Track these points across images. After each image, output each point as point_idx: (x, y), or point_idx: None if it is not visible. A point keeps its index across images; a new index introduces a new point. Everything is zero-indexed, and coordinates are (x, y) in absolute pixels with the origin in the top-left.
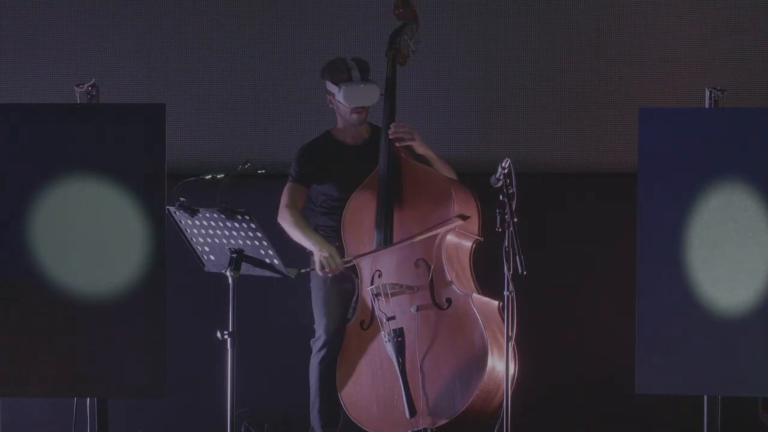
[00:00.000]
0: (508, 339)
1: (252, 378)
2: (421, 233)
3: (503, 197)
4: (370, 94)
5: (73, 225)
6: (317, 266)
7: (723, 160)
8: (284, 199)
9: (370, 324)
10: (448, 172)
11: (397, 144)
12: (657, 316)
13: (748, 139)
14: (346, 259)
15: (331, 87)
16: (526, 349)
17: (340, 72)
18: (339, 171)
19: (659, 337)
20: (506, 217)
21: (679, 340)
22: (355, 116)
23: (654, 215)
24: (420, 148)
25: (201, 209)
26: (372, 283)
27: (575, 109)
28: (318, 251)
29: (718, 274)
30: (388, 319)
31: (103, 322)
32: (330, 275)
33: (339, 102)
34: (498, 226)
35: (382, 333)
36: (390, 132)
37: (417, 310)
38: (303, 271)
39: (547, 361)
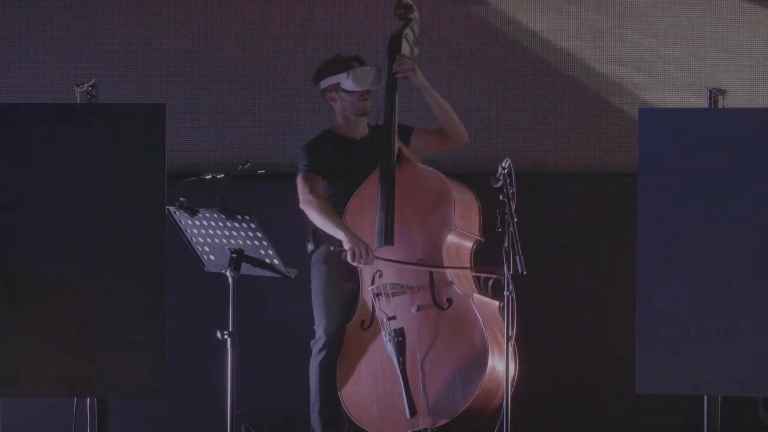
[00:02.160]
0: (508, 339)
1: (252, 378)
2: (435, 266)
3: (503, 197)
4: (377, 76)
5: (73, 225)
6: (349, 255)
7: (723, 160)
8: (304, 187)
9: (370, 324)
10: (442, 109)
11: (398, 76)
12: (657, 316)
13: (749, 140)
14: (380, 257)
15: (335, 79)
16: (526, 349)
17: (341, 64)
18: (341, 164)
19: (659, 337)
20: (506, 217)
21: (679, 340)
22: (362, 104)
23: (654, 215)
24: (418, 81)
25: (201, 209)
26: (373, 283)
27: (575, 109)
28: (352, 242)
29: (719, 274)
30: (389, 319)
31: (103, 322)
32: (361, 265)
33: (344, 92)
34: (498, 226)
35: (383, 333)
36: (393, 70)
37: (417, 310)
38: (332, 248)
39: (547, 360)
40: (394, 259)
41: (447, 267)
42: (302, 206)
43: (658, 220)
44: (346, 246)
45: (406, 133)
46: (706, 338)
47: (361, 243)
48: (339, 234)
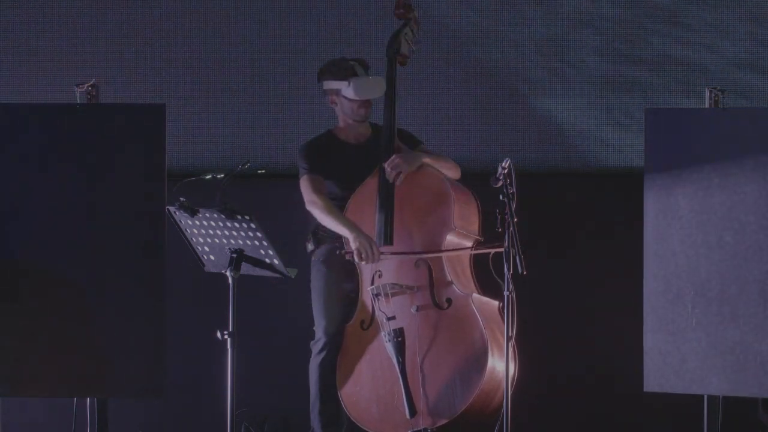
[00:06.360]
0: (508, 339)
1: (252, 378)
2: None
3: (503, 197)
4: (379, 86)
5: (73, 225)
6: (355, 254)
7: (727, 160)
8: (308, 189)
9: (370, 324)
10: (451, 171)
11: (397, 180)
12: (661, 315)
13: (751, 139)
14: (383, 252)
15: (335, 84)
16: (526, 349)
17: (343, 69)
18: (341, 169)
19: (662, 337)
20: (506, 217)
21: (680, 340)
22: (362, 111)
23: (659, 215)
24: (416, 167)
25: (201, 209)
26: (372, 284)
27: (575, 108)
28: (357, 241)
29: (722, 274)
30: (389, 319)
31: (103, 322)
32: (366, 263)
33: (345, 98)
34: (498, 226)
35: (383, 333)
36: (388, 175)
37: (417, 311)
38: (338, 252)
39: (547, 361)
40: (393, 259)
41: (448, 251)
42: (308, 207)
43: (663, 220)
44: (352, 245)
45: (411, 143)
46: (707, 338)
47: (366, 241)
48: (344, 232)
